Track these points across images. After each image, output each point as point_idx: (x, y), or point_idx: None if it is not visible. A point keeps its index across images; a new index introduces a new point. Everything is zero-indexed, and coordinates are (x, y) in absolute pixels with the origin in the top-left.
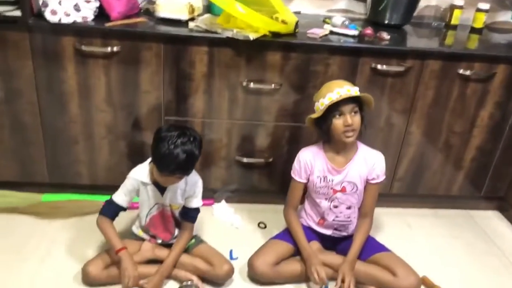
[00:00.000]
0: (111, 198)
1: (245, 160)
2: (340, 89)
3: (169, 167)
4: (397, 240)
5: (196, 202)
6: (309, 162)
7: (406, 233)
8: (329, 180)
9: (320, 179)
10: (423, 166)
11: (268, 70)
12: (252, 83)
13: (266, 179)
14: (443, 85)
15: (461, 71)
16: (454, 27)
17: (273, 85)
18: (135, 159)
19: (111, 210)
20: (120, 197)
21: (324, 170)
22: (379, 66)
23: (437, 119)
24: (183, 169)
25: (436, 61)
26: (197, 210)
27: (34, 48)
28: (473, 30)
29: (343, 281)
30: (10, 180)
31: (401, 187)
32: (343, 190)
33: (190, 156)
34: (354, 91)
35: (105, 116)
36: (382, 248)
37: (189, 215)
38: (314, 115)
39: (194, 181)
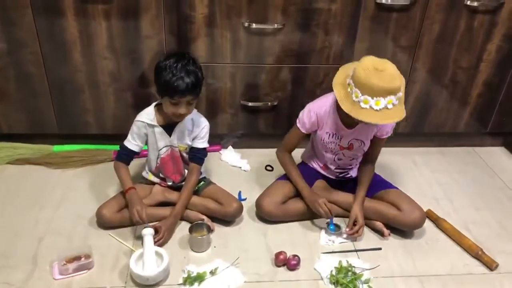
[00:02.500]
0: (122, 143)
1: (250, 104)
2: (382, 99)
3: (179, 89)
4: (403, 178)
5: (202, 143)
6: (321, 118)
7: (411, 170)
8: (338, 137)
9: (329, 135)
10: (428, 103)
11: (270, 9)
12: (254, 24)
13: (271, 123)
14: (449, 18)
15: (468, 2)
16: None
17: (275, 24)
18: (140, 106)
19: (123, 155)
20: (129, 142)
21: (334, 128)
22: (383, 1)
23: (443, 54)
24: (191, 90)
25: None
26: (204, 151)
27: None
28: None
29: (354, 224)
30: (20, 132)
31: (407, 126)
32: (350, 147)
33: (194, 74)
34: (396, 98)
35: (108, 64)
36: (388, 185)
37: (197, 156)
38: (340, 100)
39: (200, 122)
